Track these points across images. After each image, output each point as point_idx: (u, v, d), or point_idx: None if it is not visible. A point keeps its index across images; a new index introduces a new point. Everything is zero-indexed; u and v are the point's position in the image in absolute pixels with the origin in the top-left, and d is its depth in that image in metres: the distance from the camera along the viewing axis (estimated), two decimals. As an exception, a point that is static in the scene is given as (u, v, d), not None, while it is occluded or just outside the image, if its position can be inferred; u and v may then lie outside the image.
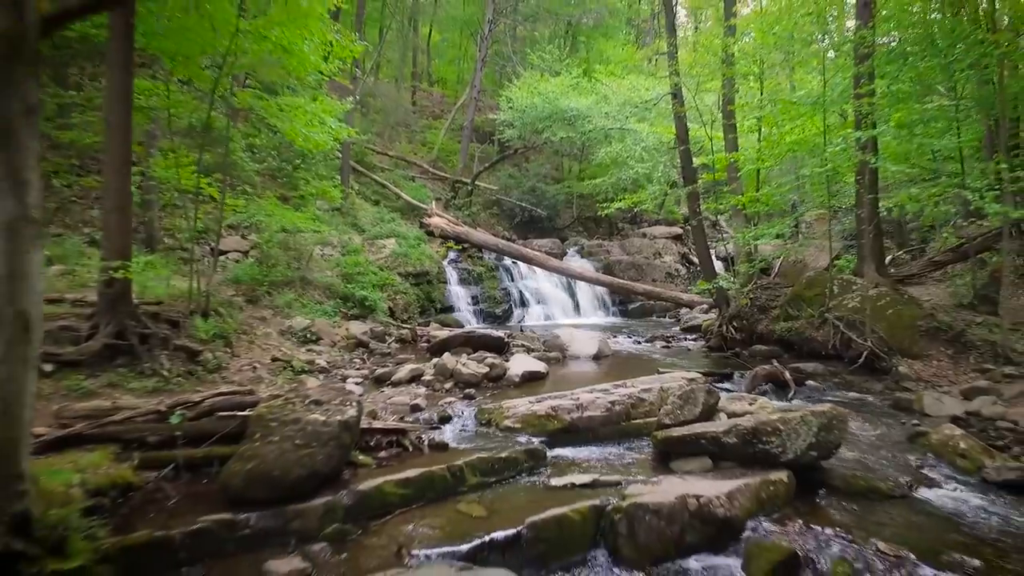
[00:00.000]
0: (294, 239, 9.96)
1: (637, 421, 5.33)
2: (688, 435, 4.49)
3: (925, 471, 4.61)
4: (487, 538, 3.32)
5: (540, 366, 7.39)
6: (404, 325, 10.38)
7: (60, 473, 3.23)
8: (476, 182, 19.47)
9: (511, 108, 18.94)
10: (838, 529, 3.59)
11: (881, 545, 3.35)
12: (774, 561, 3.29)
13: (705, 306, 12.78)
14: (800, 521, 3.70)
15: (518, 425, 5.15)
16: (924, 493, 4.24)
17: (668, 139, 14.39)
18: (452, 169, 20.92)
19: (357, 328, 9.08)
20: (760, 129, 9.66)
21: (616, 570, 3.39)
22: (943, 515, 3.91)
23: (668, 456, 4.59)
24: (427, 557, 3.15)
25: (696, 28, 34.16)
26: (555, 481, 4.15)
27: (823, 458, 4.34)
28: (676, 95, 10.14)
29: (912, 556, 3.24)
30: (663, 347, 10.12)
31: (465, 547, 3.24)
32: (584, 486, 4.04)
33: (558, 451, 4.81)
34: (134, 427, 3.93)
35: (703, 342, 10.34)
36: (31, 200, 2.26)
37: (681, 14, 34.27)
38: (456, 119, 23.42)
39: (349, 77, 10.03)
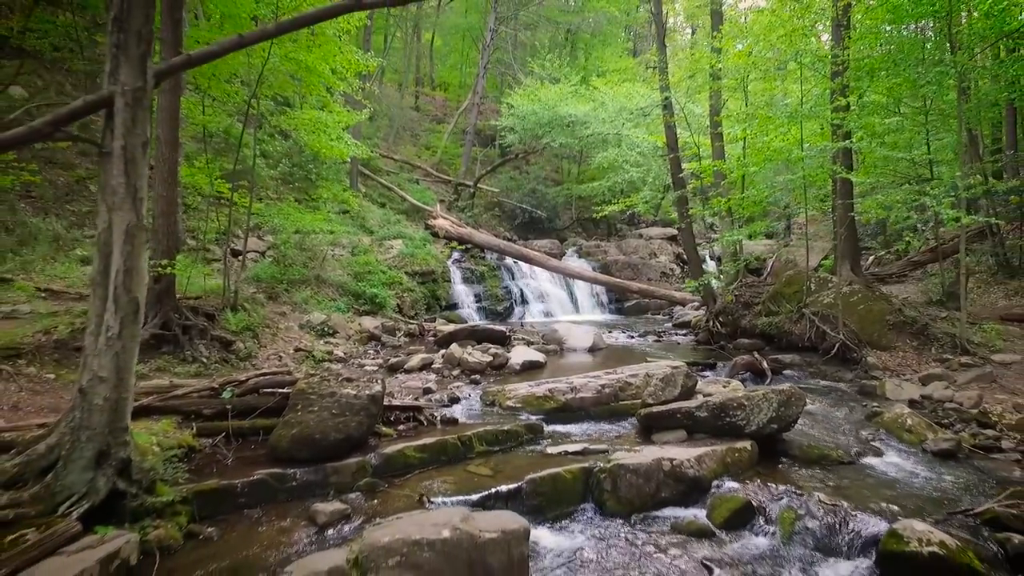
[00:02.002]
0: (308, 240, 10.64)
1: (624, 402, 6.01)
2: (666, 411, 5.18)
3: (875, 443, 5.28)
4: (493, 490, 4.01)
5: (539, 356, 8.08)
6: (412, 321, 11.05)
7: (139, 435, 3.90)
8: (478, 185, 20.14)
9: (512, 114, 19.62)
10: (790, 486, 4.25)
11: (822, 497, 4.02)
12: (732, 509, 3.98)
13: (696, 303, 13.44)
14: (759, 481, 4.37)
15: (519, 405, 5.84)
16: (869, 460, 4.92)
17: (662, 144, 15.07)
18: (455, 172, 21.58)
19: (369, 323, 9.76)
20: (744, 138, 10.32)
21: (602, 520, 4.06)
22: (881, 477, 4.60)
23: (650, 430, 5.26)
24: (444, 503, 3.83)
25: (693, 32, 34.84)
26: (551, 449, 4.83)
27: (783, 430, 5.02)
28: (667, 106, 10.83)
29: (846, 505, 3.91)
30: (655, 341, 10.80)
31: (475, 496, 3.93)
32: (576, 453, 4.72)
33: (554, 426, 5.49)
34: (192, 401, 4.60)
35: (692, 337, 11.04)
36: (143, 212, 2.93)
37: (679, 19, 34.98)
38: (458, 123, 24.10)
39: (361, 90, 10.72)
